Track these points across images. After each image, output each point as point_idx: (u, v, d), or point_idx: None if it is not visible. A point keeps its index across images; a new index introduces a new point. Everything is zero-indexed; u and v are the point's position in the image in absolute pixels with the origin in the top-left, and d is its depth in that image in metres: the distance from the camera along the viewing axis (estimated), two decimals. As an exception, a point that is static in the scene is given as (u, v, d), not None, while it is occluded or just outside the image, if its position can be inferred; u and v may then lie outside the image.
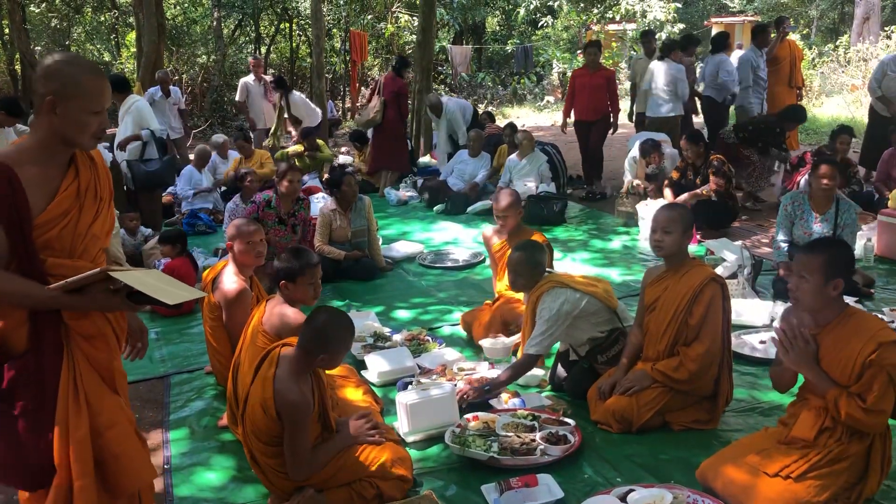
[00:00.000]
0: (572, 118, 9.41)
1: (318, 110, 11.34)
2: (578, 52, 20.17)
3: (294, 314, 3.50)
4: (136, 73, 11.93)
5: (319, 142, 10.41)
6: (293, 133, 11.09)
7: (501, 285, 4.98)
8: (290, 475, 2.98)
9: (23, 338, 2.24)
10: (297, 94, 11.11)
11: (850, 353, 2.81)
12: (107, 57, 22.50)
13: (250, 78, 11.19)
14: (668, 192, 7.30)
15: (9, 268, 2.19)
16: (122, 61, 21.06)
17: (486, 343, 4.51)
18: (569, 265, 6.33)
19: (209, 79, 20.41)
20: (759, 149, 7.95)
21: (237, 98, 11.21)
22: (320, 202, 7.65)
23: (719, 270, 5.19)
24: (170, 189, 8.84)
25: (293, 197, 6.05)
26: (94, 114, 2.26)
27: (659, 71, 8.64)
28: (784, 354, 2.93)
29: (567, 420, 3.65)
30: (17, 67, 17.37)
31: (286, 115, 11.04)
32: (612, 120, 9.08)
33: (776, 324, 4.70)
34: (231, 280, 3.98)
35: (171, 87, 10.87)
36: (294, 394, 2.88)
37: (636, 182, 7.96)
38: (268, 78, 11.35)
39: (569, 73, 20.45)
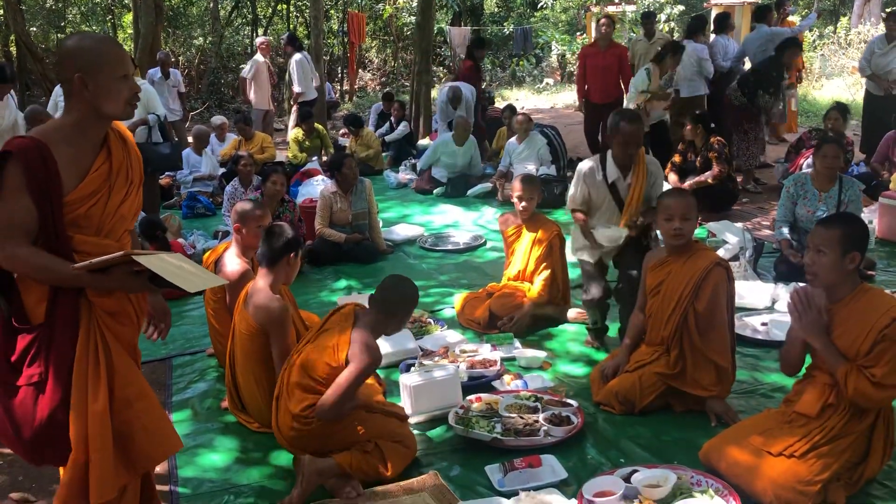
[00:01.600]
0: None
1: (313, 87, 11.14)
2: (578, 33, 20.04)
3: (278, 305, 3.50)
4: (134, 55, 11.84)
5: (318, 126, 10.36)
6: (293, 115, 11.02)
7: (510, 272, 4.97)
8: (326, 409, 3.05)
9: (42, 312, 2.28)
10: (298, 56, 10.88)
11: (864, 327, 2.82)
12: (103, 39, 22.27)
13: (260, 57, 11.10)
14: (672, 175, 7.28)
15: (36, 243, 2.24)
16: (119, 43, 20.89)
17: (597, 232, 4.27)
18: (569, 248, 6.31)
19: (206, 61, 20.29)
20: (766, 99, 7.89)
21: (246, 74, 11.07)
22: (320, 185, 7.62)
23: (721, 253, 5.19)
24: (168, 171, 8.80)
25: (277, 199, 5.97)
26: (123, 78, 2.31)
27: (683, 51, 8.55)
28: (797, 321, 2.94)
29: (570, 401, 3.66)
30: (13, 49, 17.24)
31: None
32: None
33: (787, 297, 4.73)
34: (234, 262, 4.00)
35: (170, 69, 10.79)
36: (376, 350, 3.15)
37: (644, 97, 7.80)
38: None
39: (568, 56, 20.38)
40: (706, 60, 8.42)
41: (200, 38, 20.89)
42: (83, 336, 2.30)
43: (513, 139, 8.61)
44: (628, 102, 8.35)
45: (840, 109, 7.39)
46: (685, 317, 3.54)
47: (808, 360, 3.12)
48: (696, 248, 3.66)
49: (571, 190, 4.39)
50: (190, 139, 9.50)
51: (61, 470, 2.42)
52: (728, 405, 3.56)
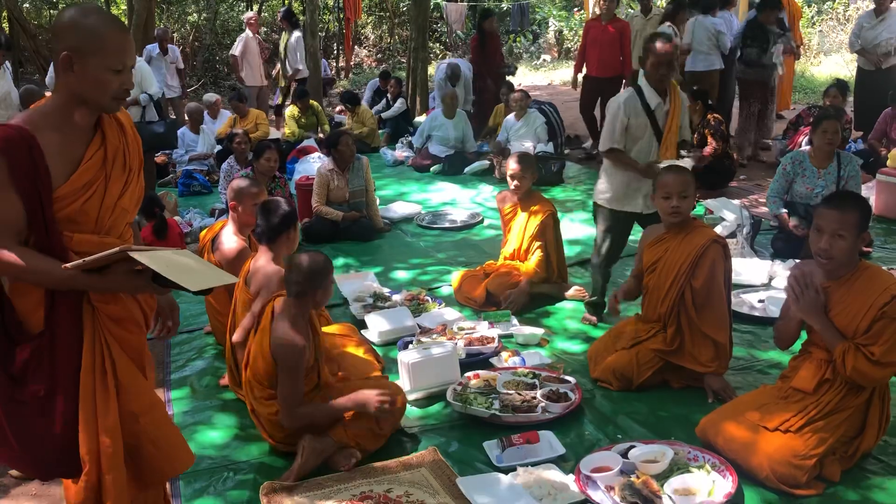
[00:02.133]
0: (584, 71, 9.17)
1: (304, 67, 11.26)
2: (575, 9, 19.89)
3: (276, 270, 3.52)
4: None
5: (313, 103, 10.30)
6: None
7: (506, 251, 4.97)
8: (282, 420, 3.11)
9: (40, 319, 2.09)
10: (298, 33, 10.99)
11: (863, 304, 2.83)
12: (96, 15, 22.02)
13: (249, 33, 11.11)
14: (669, 153, 7.26)
15: (27, 243, 2.03)
16: (112, 19, 20.64)
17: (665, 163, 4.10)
18: (567, 225, 6.30)
19: (200, 38, 20.11)
20: (754, 52, 7.90)
21: (235, 52, 11.10)
22: (317, 162, 7.59)
23: (718, 230, 5.18)
24: (163, 150, 8.75)
25: (269, 175, 5.95)
26: (115, 72, 2.06)
27: (699, 26, 8.54)
28: (794, 302, 2.95)
29: (567, 378, 3.68)
30: (5, 25, 17.07)
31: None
32: (624, 80, 8.93)
33: (784, 274, 4.74)
34: (231, 239, 4.00)
35: (168, 45, 10.74)
36: (289, 338, 3.03)
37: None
38: (260, 37, 11.36)
39: (565, 32, 20.23)
40: (723, 34, 8.36)
41: (195, 15, 20.68)
42: (88, 345, 2.12)
43: (510, 116, 8.57)
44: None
45: (839, 86, 7.38)
46: (682, 293, 3.54)
47: (804, 335, 3.13)
48: (693, 225, 3.66)
49: (607, 128, 4.21)
50: (186, 117, 9.45)
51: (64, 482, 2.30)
52: (726, 381, 3.57)
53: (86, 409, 2.12)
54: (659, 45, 4.03)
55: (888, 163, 6.49)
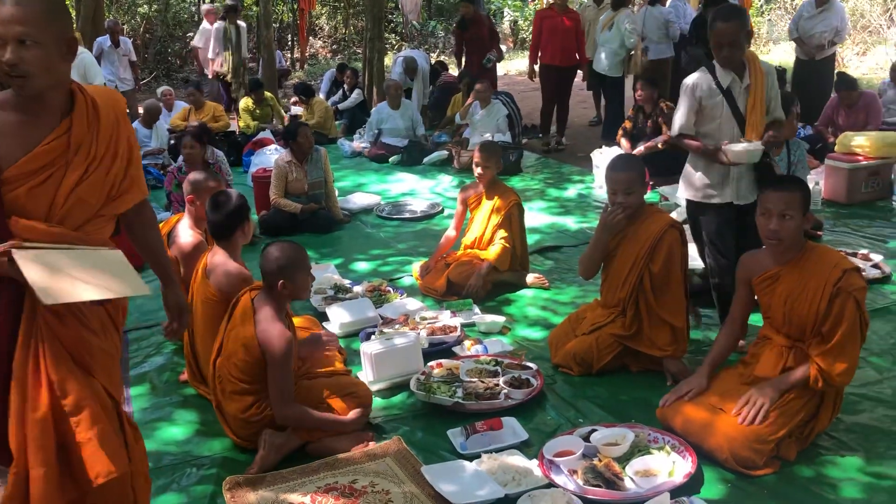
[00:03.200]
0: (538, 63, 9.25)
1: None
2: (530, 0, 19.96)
3: (236, 269, 3.51)
4: (76, 23, 11.45)
5: (268, 94, 10.20)
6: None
7: (467, 240, 4.99)
8: (275, 414, 3.09)
9: None
10: (244, 25, 11.34)
11: (818, 284, 2.90)
12: (41, 6, 21.49)
13: (206, 25, 11.24)
14: (624, 141, 7.34)
15: None
16: (59, 11, 20.14)
17: (729, 149, 3.67)
18: (525, 214, 6.34)
19: (152, 29, 19.73)
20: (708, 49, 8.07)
21: (197, 43, 11.12)
22: (274, 154, 7.52)
23: (673, 215, 5.26)
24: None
25: (196, 162, 5.89)
26: None
27: (649, 16, 8.63)
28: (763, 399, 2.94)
29: (529, 364, 3.71)
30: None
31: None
32: (580, 69, 9.04)
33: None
34: (187, 233, 3.96)
35: (120, 37, 10.55)
36: (279, 331, 3.06)
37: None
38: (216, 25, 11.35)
39: (520, 22, 20.31)
40: (672, 23, 8.49)
41: (145, 6, 20.28)
42: (23, 333, 2.04)
43: (475, 104, 8.57)
44: (624, 49, 8.46)
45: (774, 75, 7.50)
46: (641, 278, 3.59)
47: (760, 320, 3.20)
48: (650, 212, 3.71)
49: (677, 111, 3.86)
50: (141, 110, 9.28)
51: None
52: (684, 364, 3.63)
53: (17, 398, 2.03)
54: (718, 25, 3.64)
55: (836, 148, 6.65)
